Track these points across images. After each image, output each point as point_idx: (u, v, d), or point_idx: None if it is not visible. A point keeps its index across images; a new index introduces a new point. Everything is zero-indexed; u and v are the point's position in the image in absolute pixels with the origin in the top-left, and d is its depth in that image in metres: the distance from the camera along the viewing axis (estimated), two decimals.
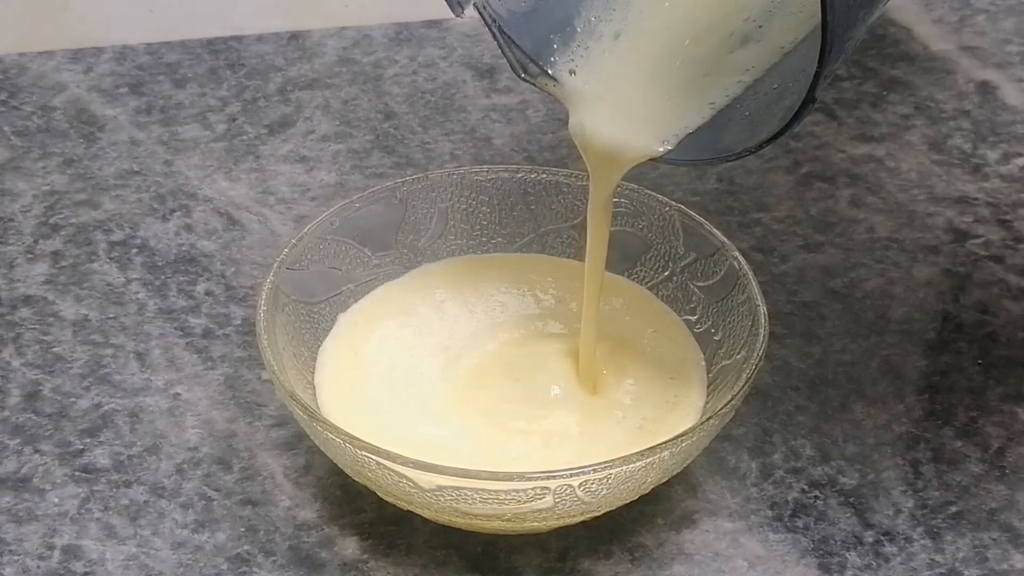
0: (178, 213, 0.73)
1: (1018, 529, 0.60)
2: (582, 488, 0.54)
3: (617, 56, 0.56)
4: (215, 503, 0.60)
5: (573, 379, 0.61)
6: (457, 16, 0.55)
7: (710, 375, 0.61)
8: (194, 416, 0.63)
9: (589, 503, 0.55)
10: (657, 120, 0.56)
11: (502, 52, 0.58)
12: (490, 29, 0.57)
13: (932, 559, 0.58)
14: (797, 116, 0.50)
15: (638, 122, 0.56)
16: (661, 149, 0.56)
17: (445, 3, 0.55)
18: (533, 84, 0.58)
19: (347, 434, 0.55)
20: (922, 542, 0.59)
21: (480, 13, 0.57)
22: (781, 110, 0.53)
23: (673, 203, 0.64)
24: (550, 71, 0.58)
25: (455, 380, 0.61)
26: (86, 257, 0.70)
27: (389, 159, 0.76)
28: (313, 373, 0.61)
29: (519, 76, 0.58)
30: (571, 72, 0.57)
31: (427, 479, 0.54)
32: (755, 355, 0.58)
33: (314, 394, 0.60)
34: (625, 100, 0.56)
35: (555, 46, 0.57)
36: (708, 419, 0.56)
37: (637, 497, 0.57)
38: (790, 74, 0.55)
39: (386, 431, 0.58)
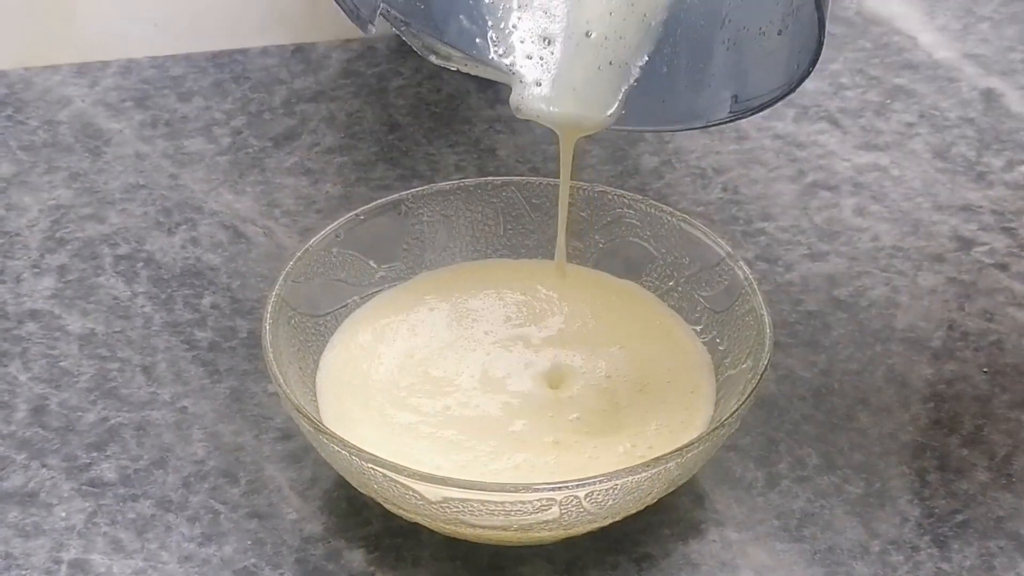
0: (184, 226, 0.73)
1: None
2: (588, 499, 0.54)
3: (541, 30, 0.56)
4: (222, 516, 0.60)
5: (584, 387, 0.61)
6: (367, 34, 0.55)
7: (716, 385, 0.61)
8: (200, 429, 0.63)
9: (595, 514, 0.55)
10: (594, 86, 0.56)
11: (410, 43, 0.57)
12: (397, 29, 0.57)
13: (939, 568, 0.58)
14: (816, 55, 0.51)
15: (576, 94, 0.56)
16: (609, 114, 0.56)
17: (355, 24, 0.55)
18: (447, 67, 0.58)
19: (353, 447, 0.55)
20: (929, 551, 0.59)
21: (386, 18, 0.56)
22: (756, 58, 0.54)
23: (677, 213, 0.64)
24: (485, 56, 0.57)
25: (459, 388, 0.61)
26: (92, 271, 0.70)
27: (394, 171, 0.76)
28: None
29: (430, 60, 0.58)
30: (499, 54, 0.57)
31: (433, 491, 0.54)
32: (760, 365, 0.58)
33: (317, 403, 0.60)
34: (559, 74, 0.56)
35: (465, 24, 0.57)
36: (714, 429, 0.56)
37: (643, 507, 0.57)
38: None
39: (389, 440, 0.58)
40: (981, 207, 0.74)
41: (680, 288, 0.64)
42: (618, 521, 0.57)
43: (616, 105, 0.56)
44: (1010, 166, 0.76)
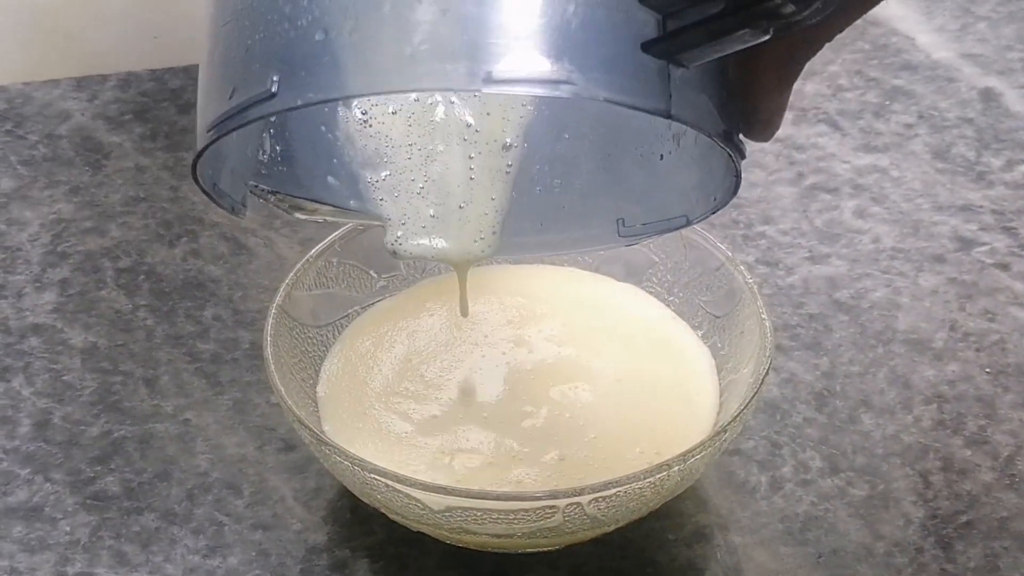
0: (185, 239, 0.73)
1: None
2: (591, 506, 0.54)
3: (406, 181, 0.56)
4: (226, 528, 0.60)
5: (589, 390, 0.61)
6: (241, 218, 0.54)
7: (720, 388, 0.61)
8: (204, 441, 0.63)
9: (598, 520, 0.55)
10: (467, 220, 0.56)
11: (276, 208, 0.56)
12: (264, 199, 0.56)
13: (943, 569, 0.58)
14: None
15: (449, 231, 0.56)
16: (486, 245, 0.56)
17: (228, 213, 0.53)
18: (313, 220, 0.57)
19: (355, 457, 0.55)
20: (933, 552, 0.59)
21: (254, 193, 0.55)
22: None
23: None
24: (354, 206, 0.57)
25: (460, 392, 0.61)
26: (94, 285, 0.71)
27: None
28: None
29: (296, 217, 0.57)
30: (368, 203, 0.56)
31: (436, 500, 0.54)
32: (761, 369, 0.58)
33: (319, 414, 0.60)
34: (429, 214, 0.56)
35: (331, 181, 0.57)
36: (716, 434, 0.56)
37: (647, 513, 0.57)
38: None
39: (388, 450, 0.58)
40: (981, 207, 0.74)
41: (681, 293, 0.64)
42: (622, 527, 0.57)
43: (492, 236, 0.56)
44: (1010, 165, 0.76)
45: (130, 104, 0.81)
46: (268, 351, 0.59)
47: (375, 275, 0.65)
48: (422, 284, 0.65)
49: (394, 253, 0.56)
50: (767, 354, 0.58)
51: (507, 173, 0.55)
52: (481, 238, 0.56)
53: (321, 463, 0.58)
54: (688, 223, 0.54)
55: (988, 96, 0.81)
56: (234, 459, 0.63)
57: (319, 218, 0.57)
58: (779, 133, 0.77)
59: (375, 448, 0.58)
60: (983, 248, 0.72)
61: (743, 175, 0.49)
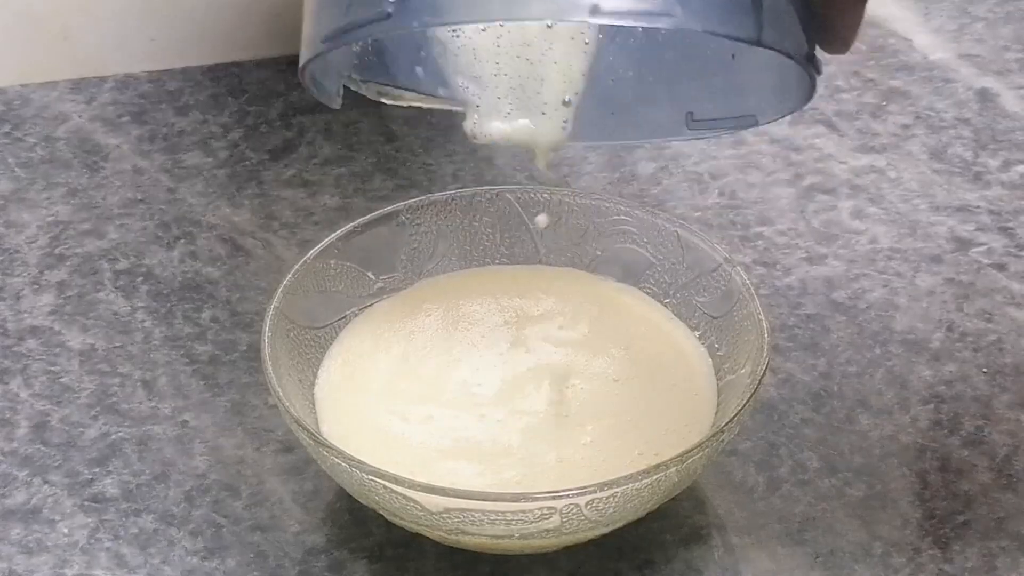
0: (182, 240, 0.73)
1: None
2: (589, 507, 0.54)
3: (490, 62, 0.58)
4: (224, 530, 0.60)
5: (588, 390, 0.61)
6: (336, 107, 0.58)
7: (718, 388, 0.61)
8: (202, 443, 0.63)
9: (596, 522, 0.55)
10: (543, 103, 0.58)
11: (364, 93, 0.60)
12: (356, 88, 0.60)
13: (941, 569, 0.58)
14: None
15: (527, 115, 0.58)
16: (553, 133, 0.58)
17: (323, 101, 0.58)
18: (398, 105, 0.60)
19: (353, 459, 0.55)
20: (930, 552, 0.59)
21: (347, 86, 0.59)
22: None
23: (674, 219, 0.64)
24: (438, 92, 0.60)
25: (458, 393, 0.61)
26: (92, 287, 0.71)
27: (391, 181, 0.76)
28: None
29: (381, 102, 0.60)
30: (451, 90, 0.59)
31: (434, 502, 0.54)
32: (759, 369, 0.58)
33: (316, 415, 0.60)
34: (509, 98, 0.58)
35: (419, 72, 0.60)
36: (713, 435, 0.56)
37: (644, 514, 0.57)
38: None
39: (387, 451, 0.58)
40: (978, 207, 0.74)
41: (678, 294, 0.64)
42: (620, 528, 0.57)
43: (566, 123, 0.58)
44: (1006, 166, 0.76)
45: (128, 106, 0.81)
46: (266, 353, 0.59)
47: (372, 276, 0.65)
48: (419, 285, 0.66)
49: (473, 136, 0.59)
50: (764, 355, 0.58)
51: (583, 71, 0.58)
52: (556, 126, 0.58)
53: (319, 464, 0.58)
54: (756, 123, 0.56)
55: (985, 96, 0.81)
56: (232, 461, 0.63)
57: (404, 103, 0.60)
58: (776, 133, 0.78)
59: (373, 449, 0.58)
60: (980, 248, 0.72)
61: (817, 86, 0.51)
